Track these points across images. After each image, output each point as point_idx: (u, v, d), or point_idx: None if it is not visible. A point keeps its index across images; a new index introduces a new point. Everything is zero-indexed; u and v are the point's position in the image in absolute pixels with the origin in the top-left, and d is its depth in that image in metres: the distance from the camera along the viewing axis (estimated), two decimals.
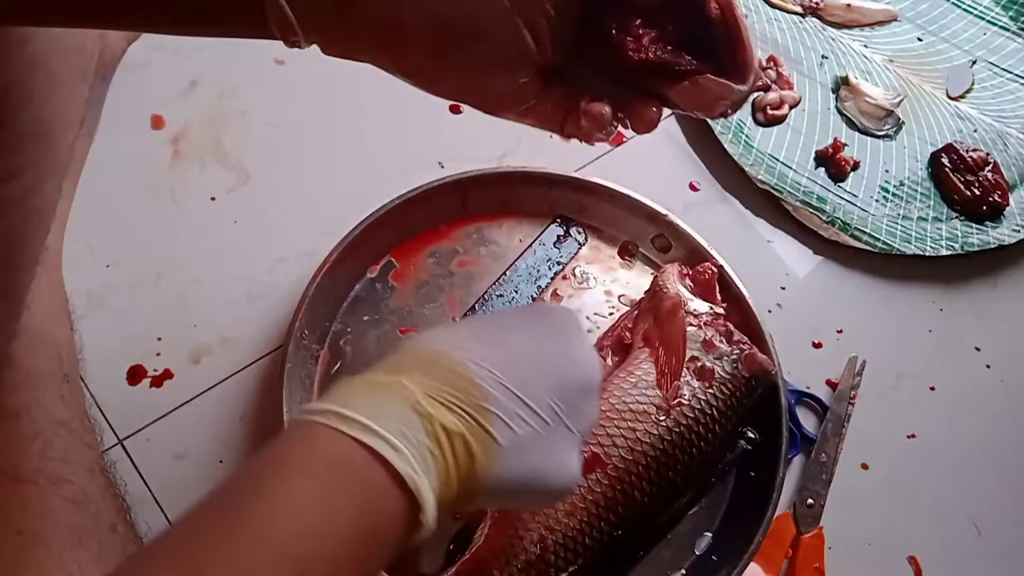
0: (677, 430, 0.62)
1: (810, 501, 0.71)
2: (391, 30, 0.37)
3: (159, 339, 0.69)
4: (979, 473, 0.77)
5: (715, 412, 0.63)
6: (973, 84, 1.00)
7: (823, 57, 0.98)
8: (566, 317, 0.50)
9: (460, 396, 0.40)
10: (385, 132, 0.82)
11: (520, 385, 0.42)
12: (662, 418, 0.62)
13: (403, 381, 0.39)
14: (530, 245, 0.75)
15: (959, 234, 0.87)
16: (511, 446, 0.41)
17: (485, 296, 0.72)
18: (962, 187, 0.90)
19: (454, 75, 0.40)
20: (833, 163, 0.89)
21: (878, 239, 0.85)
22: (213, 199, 0.76)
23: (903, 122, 0.94)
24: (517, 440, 0.41)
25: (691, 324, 0.67)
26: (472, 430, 0.39)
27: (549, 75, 0.41)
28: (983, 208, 0.89)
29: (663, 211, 0.75)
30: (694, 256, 0.74)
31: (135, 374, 0.68)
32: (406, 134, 0.82)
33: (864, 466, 0.75)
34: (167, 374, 0.68)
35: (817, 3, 1.01)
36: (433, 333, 0.45)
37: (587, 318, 0.74)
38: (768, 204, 0.86)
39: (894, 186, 0.90)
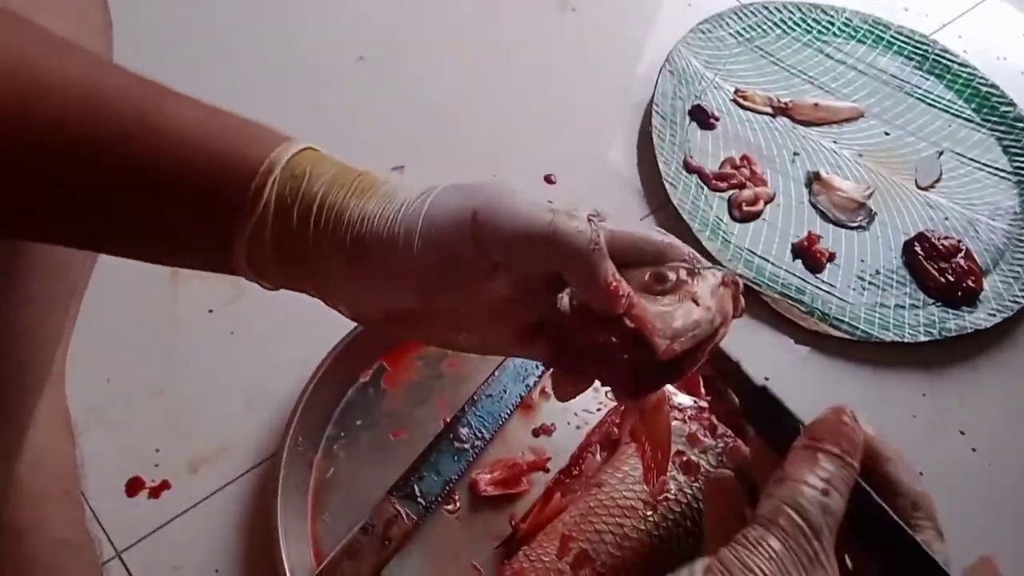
0: (664, 525, 0.63)
1: None
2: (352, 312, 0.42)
3: (157, 450, 0.71)
4: (969, 558, 0.77)
5: (701, 505, 0.65)
6: (941, 174, 1.04)
7: (795, 154, 1.02)
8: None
9: None
10: None
11: None
12: (649, 513, 0.63)
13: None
14: None
15: (936, 320, 0.90)
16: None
17: (474, 397, 0.74)
18: (936, 274, 0.93)
19: (418, 337, 0.43)
20: (809, 255, 0.92)
21: (857, 328, 0.88)
22: (211, 311, 0.79)
23: (875, 213, 0.98)
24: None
25: (676, 418, 0.68)
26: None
27: (529, 329, 0.43)
28: (958, 294, 0.91)
29: None
30: None
31: (133, 486, 0.69)
32: None
33: None
34: (165, 485, 0.70)
35: (786, 104, 1.06)
36: None
37: (575, 414, 0.76)
38: (748, 297, 0.88)
39: (870, 275, 0.93)
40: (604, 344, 0.40)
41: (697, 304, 0.40)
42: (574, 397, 0.44)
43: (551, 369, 0.44)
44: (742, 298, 0.44)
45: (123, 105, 0.39)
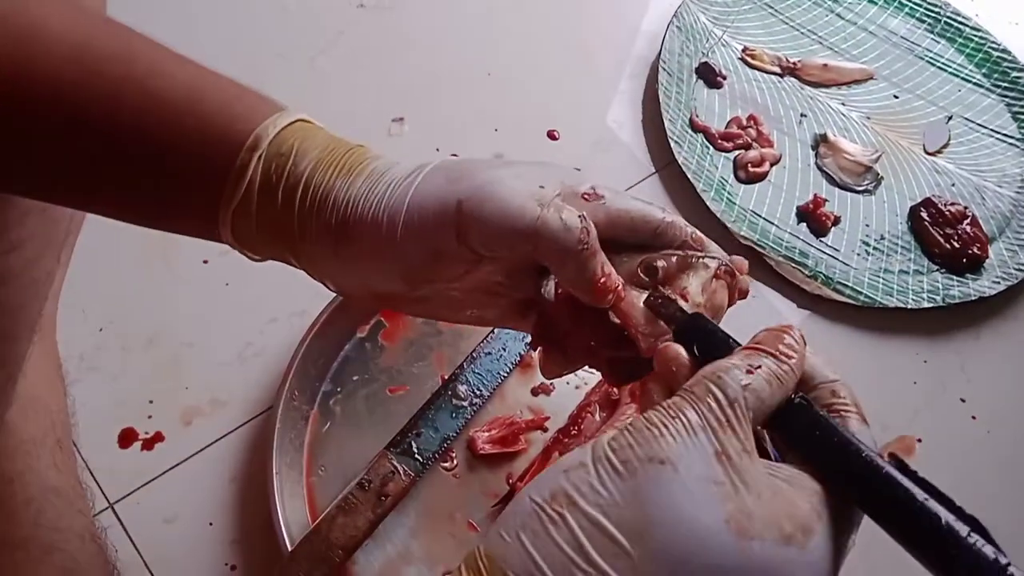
0: None
1: None
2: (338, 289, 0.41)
3: (151, 402, 0.70)
4: None
5: None
6: (949, 139, 1.02)
7: (802, 115, 1.00)
8: None
9: None
10: None
11: None
12: None
13: None
14: None
15: (940, 287, 0.89)
16: None
17: (473, 354, 0.73)
18: (942, 240, 0.92)
19: (407, 311, 0.43)
20: (814, 218, 0.91)
21: (860, 292, 0.87)
22: (206, 262, 0.77)
23: (882, 177, 0.97)
24: None
25: None
26: None
27: (517, 306, 0.43)
28: (963, 261, 0.91)
29: None
30: None
31: (126, 437, 0.68)
32: None
33: None
34: (158, 437, 0.69)
35: (794, 64, 1.04)
36: None
37: (575, 374, 0.75)
38: (751, 259, 0.87)
39: (875, 240, 0.92)
40: (587, 335, 0.40)
41: (686, 300, 0.39)
42: (559, 376, 0.44)
43: (538, 348, 0.44)
44: (745, 279, 0.42)
45: (113, 64, 0.37)
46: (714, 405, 0.31)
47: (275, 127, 0.38)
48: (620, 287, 0.39)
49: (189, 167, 0.38)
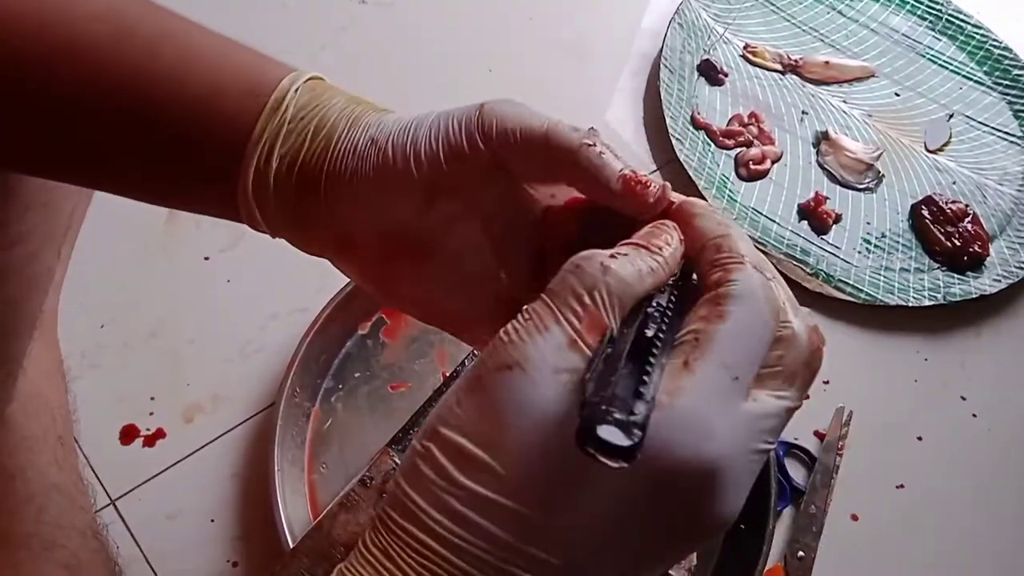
0: None
1: (801, 554, 0.72)
2: (345, 245, 0.40)
3: (152, 398, 0.70)
4: (969, 523, 0.77)
5: None
6: (951, 137, 1.02)
7: (803, 113, 1.00)
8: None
9: None
10: None
11: None
12: None
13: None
14: None
15: (941, 284, 0.89)
16: None
17: (475, 351, 0.73)
18: (943, 238, 0.92)
19: (408, 291, 0.41)
20: (815, 216, 0.91)
21: (861, 290, 0.87)
22: (207, 259, 0.77)
23: (883, 175, 0.97)
24: None
25: None
26: None
27: (508, 303, 0.41)
28: (964, 259, 0.91)
29: None
30: None
31: (128, 434, 0.68)
32: None
33: (854, 517, 0.75)
34: (160, 433, 0.69)
35: (796, 61, 1.04)
36: None
37: None
38: None
39: (876, 238, 0.92)
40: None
41: None
42: None
43: None
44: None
45: (148, 22, 0.38)
46: (571, 295, 0.29)
47: (305, 76, 0.39)
48: (666, 186, 0.37)
49: (224, 112, 0.38)
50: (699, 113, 0.96)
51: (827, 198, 0.92)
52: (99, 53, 0.37)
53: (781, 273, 0.88)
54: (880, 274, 0.89)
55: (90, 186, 0.44)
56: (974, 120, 1.04)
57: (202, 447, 0.69)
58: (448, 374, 0.72)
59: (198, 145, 0.38)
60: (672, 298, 0.32)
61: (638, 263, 0.31)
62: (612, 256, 0.30)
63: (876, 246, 0.91)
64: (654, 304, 0.31)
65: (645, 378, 0.27)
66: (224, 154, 0.38)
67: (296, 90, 0.38)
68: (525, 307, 0.30)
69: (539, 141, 0.36)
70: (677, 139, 0.92)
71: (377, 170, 0.37)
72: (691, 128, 0.95)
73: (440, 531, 0.27)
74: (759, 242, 0.87)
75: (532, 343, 0.29)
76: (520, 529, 0.27)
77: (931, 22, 1.12)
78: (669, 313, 0.31)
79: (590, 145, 0.36)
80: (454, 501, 0.27)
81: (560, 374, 0.28)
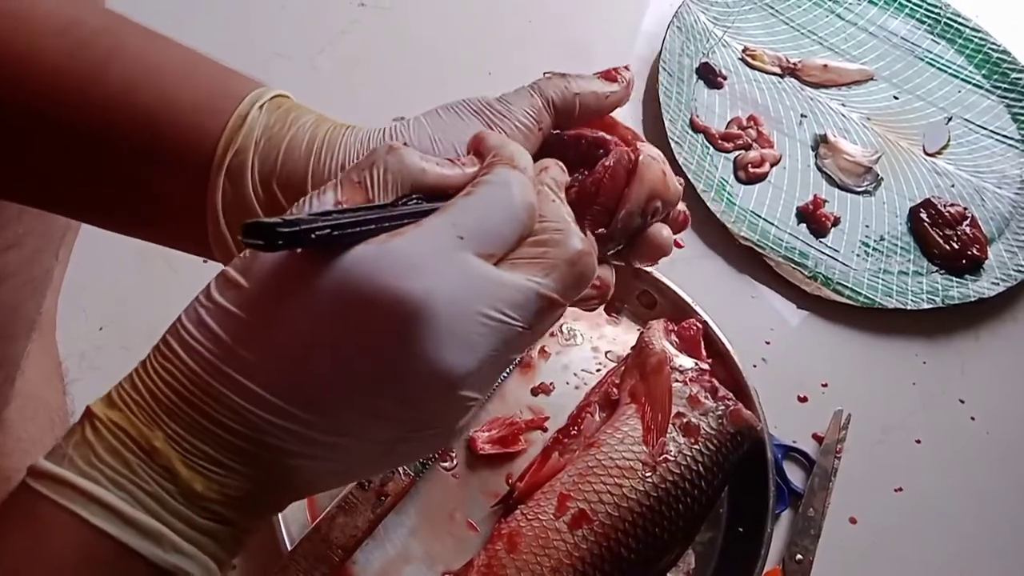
0: (663, 486, 0.63)
1: (799, 556, 0.72)
2: None
3: None
4: (967, 526, 0.77)
5: (701, 468, 0.64)
6: (949, 140, 1.02)
7: (802, 116, 1.00)
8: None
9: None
10: None
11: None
12: (648, 474, 0.63)
13: (156, 444, 0.30)
14: None
15: (940, 288, 0.89)
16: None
17: None
18: (941, 241, 0.92)
19: None
20: (814, 219, 0.91)
21: (860, 293, 0.87)
22: (206, 261, 0.77)
23: (881, 178, 0.97)
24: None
25: (677, 380, 0.68)
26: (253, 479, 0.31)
27: None
28: (963, 262, 0.91)
29: (647, 268, 0.77)
30: (679, 312, 0.76)
31: None
32: None
33: (852, 520, 0.75)
34: None
35: (795, 64, 1.04)
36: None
37: (574, 374, 0.75)
38: (751, 260, 0.88)
39: (874, 241, 0.92)
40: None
41: None
42: None
43: None
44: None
45: (104, 37, 0.37)
46: (355, 169, 0.33)
47: (270, 94, 0.39)
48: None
49: (182, 134, 0.37)
50: (698, 116, 0.96)
51: (826, 201, 0.93)
52: (51, 68, 0.36)
53: (780, 276, 0.87)
54: (879, 277, 0.89)
55: (52, 211, 0.44)
56: (972, 123, 1.04)
57: None
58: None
59: (152, 164, 0.37)
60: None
61: (430, 160, 0.34)
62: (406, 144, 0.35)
63: (875, 249, 0.91)
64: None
65: (351, 217, 0.30)
66: (184, 171, 0.37)
67: (262, 107, 0.38)
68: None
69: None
70: (676, 142, 0.92)
71: None
72: (690, 131, 0.95)
73: (184, 335, 0.31)
74: (758, 245, 0.87)
75: (308, 204, 0.32)
76: (237, 332, 0.30)
77: (930, 25, 1.12)
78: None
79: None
80: (204, 312, 0.31)
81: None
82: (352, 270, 0.29)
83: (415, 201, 0.33)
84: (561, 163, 0.37)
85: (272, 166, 0.37)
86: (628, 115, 0.97)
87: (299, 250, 0.30)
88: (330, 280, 0.29)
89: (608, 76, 0.42)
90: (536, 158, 0.37)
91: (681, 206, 0.43)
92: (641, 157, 0.39)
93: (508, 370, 0.73)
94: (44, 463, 0.29)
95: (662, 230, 0.41)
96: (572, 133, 0.41)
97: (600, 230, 0.38)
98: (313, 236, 0.28)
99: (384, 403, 0.30)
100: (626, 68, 0.43)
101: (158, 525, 0.29)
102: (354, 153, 0.38)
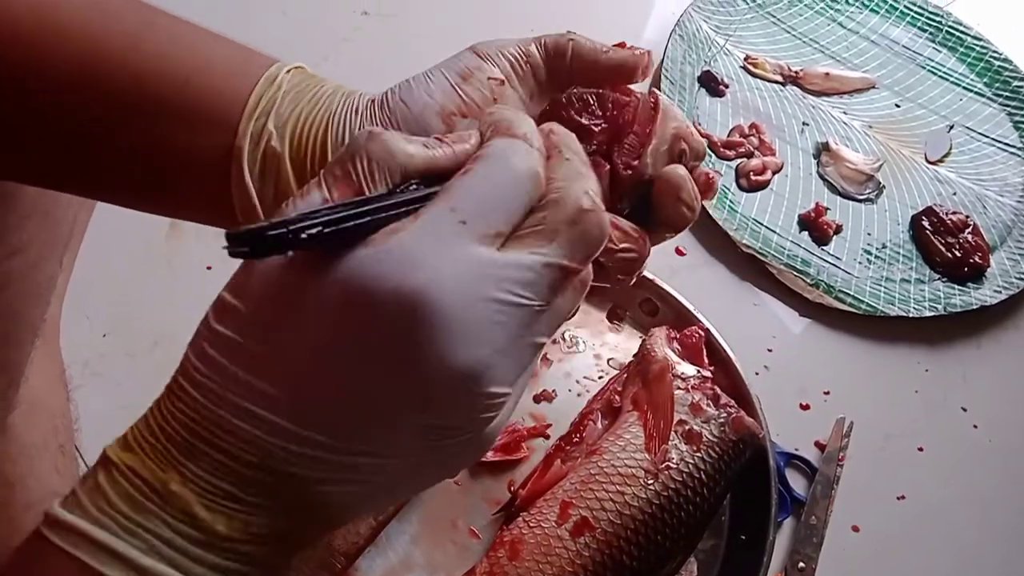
0: (665, 494, 0.63)
1: (801, 565, 0.71)
2: None
3: None
4: (969, 534, 0.77)
5: (703, 475, 0.64)
6: (951, 148, 1.03)
7: (804, 124, 1.01)
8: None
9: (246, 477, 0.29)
10: None
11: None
12: (650, 482, 0.63)
13: (172, 488, 0.29)
14: None
15: (942, 295, 0.89)
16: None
17: None
18: (943, 249, 0.92)
19: None
20: (816, 227, 0.91)
21: (862, 301, 0.87)
22: (209, 268, 0.77)
23: (883, 186, 0.97)
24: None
25: (679, 388, 0.68)
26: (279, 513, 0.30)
27: None
28: (965, 269, 0.91)
29: (650, 275, 0.77)
30: (681, 319, 0.76)
31: None
32: None
33: (855, 528, 0.75)
34: None
35: (796, 72, 1.04)
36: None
37: (577, 381, 0.75)
38: (753, 268, 0.88)
39: (877, 249, 0.92)
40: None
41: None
42: None
43: None
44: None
45: (133, 12, 0.38)
46: (337, 163, 0.31)
47: (291, 64, 0.40)
48: None
49: (213, 87, 0.38)
50: (700, 124, 0.97)
51: (828, 209, 0.93)
52: (88, 38, 0.36)
53: (782, 284, 0.87)
54: (881, 285, 0.89)
55: (79, 188, 0.44)
56: (974, 131, 1.05)
57: None
58: None
59: (188, 125, 0.37)
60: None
61: (415, 142, 0.32)
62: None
63: (877, 257, 0.91)
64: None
65: (343, 212, 0.28)
66: (215, 130, 0.37)
67: (288, 71, 0.39)
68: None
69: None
70: None
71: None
72: None
73: (191, 372, 0.30)
74: (760, 253, 0.87)
75: (293, 205, 0.30)
76: (242, 359, 0.29)
77: (931, 34, 1.12)
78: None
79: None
80: (206, 344, 0.30)
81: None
82: (352, 277, 0.28)
83: (413, 187, 0.31)
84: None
85: (298, 116, 0.38)
86: None
87: (291, 257, 0.29)
88: (329, 291, 0.28)
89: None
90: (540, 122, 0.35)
91: (706, 167, 0.41)
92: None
93: (538, 357, 0.73)
94: (57, 510, 0.28)
95: (687, 183, 0.39)
96: (578, 92, 0.41)
97: (634, 162, 0.38)
98: (304, 236, 0.27)
99: (404, 411, 0.29)
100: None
101: (173, 573, 0.28)
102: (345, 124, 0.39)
